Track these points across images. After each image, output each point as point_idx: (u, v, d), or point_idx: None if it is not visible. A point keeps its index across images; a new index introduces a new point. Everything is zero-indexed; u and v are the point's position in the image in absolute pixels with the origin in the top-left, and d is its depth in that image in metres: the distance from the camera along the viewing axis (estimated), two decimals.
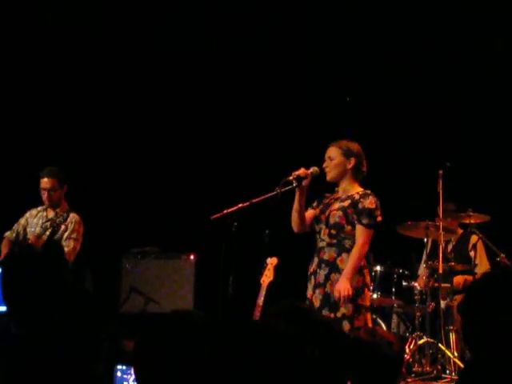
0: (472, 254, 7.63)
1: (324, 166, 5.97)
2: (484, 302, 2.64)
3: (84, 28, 9.02)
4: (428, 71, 8.85)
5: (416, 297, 7.51)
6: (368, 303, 5.92)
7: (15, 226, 7.51)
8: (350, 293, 5.64)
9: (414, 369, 7.12)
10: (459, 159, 7.58)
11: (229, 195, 6.10)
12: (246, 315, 5.90)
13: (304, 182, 5.80)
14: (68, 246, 7.19)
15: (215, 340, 2.47)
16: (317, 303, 5.79)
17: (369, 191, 5.97)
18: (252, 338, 2.47)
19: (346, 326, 5.68)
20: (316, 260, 5.93)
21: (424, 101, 8.85)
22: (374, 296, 7.50)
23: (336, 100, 9.15)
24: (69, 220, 7.29)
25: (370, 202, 5.85)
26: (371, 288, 7.07)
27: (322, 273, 5.85)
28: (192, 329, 2.48)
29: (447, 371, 6.86)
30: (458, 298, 7.28)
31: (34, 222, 7.42)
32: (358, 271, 5.80)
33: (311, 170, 5.85)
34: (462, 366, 6.62)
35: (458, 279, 7.52)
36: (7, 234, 7.49)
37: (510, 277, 2.70)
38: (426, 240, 7.59)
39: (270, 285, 6.07)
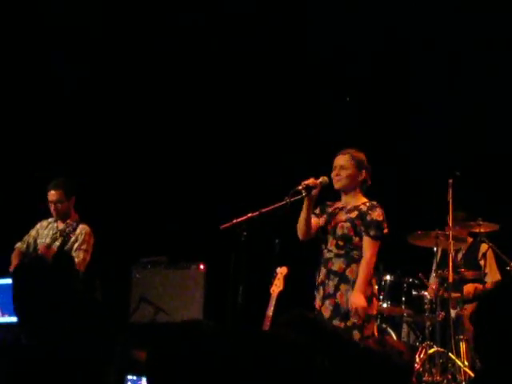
0: (482, 262, 7.61)
1: (334, 174, 5.96)
2: (495, 311, 2.64)
3: (84, 28, 9.03)
4: (428, 71, 8.84)
5: (426, 306, 7.50)
6: (375, 312, 5.96)
7: (26, 238, 7.52)
8: (366, 305, 5.68)
9: (424, 378, 7.11)
10: (469, 168, 7.58)
11: (238, 205, 6.11)
12: (255, 325, 5.89)
13: (313, 192, 5.80)
14: (78, 257, 7.19)
15: (225, 350, 2.48)
16: (327, 314, 5.80)
17: (375, 202, 5.97)
18: (261, 347, 2.47)
19: (357, 335, 5.70)
20: (324, 271, 5.93)
21: (431, 107, 8.85)
22: (384, 305, 7.49)
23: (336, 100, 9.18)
24: (79, 231, 7.30)
25: (377, 214, 5.87)
26: (381, 297, 7.07)
27: (332, 283, 5.86)
28: (202, 338, 2.48)
29: (457, 380, 6.84)
30: (468, 307, 7.26)
31: (44, 233, 7.44)
32: None
33: (320, 179, 5.86)
34: (472, 375, 6.60)
35: (468, 288, 7.50)
36: (18, 245, 7.52)
37: None
38: (435, 249, 7.58)
39: (280, 294, 6.07)
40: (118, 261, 8.96)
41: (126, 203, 9.37)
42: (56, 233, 7.32)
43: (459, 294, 7.38)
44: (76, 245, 7.26)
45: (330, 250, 5.93)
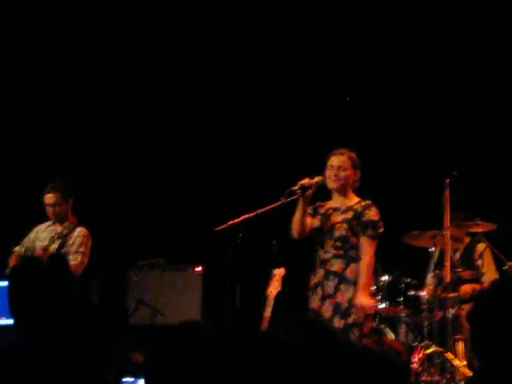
0: (479, 262, 7.62)
1: (331, 174, 5.96)
2: (492, 310, 2.64)
3: (84, 28, 9.03)
4: (428, 71, 8.85)
5: (424, 306, 7.49)
6: (373, 311, 6.11)
7: (24, 241, 7.50)
8: (375, 303, 5.92)
9: (422, 378, 7.10)
10: (466, 168, 7.57)
11: (235, 206, 6.11)
12: (253, 326, 5.89)
13: (308, 192, 5.82)
14: (76, 259, 7.18)
15: (223, 351, 2.48)
16: (328, 313, 5.85)
17: (369, 201, 6.01)
18: (259, 348, 2.47)
19: (357, 332, 5.80)
20: (322, 271, 5.95)
21: (430, 108, 8.85)
22: (382, 306, 7.48)
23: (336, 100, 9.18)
24: (76, 233, 7.29)
25: (373, 214, 5.93)
26: (379, 298, 7.07)
27: (331, 284, 5.90)
28: (200, 340, 2.49)
29: (456, 380, 6.83)
30: (466, 306, 7.26)
31: (42, 236, 7.42)
32: None
33: (316, 179, 5.88)
34: (470, 375, 6.59)
35: (466, 288, 7.50)
36: (16, 248, 7.49)
37: None
38: (433, 249, 7.58)
39: (278, 296, 6.07)
40: (115, 263, 8.95)
41: (123, 206, 9.36)
42: (54, 235, 7.31)
43: (457, 294, 7.37)
44: (74, 247, 7.25)
45: (327, 251, 5.95)
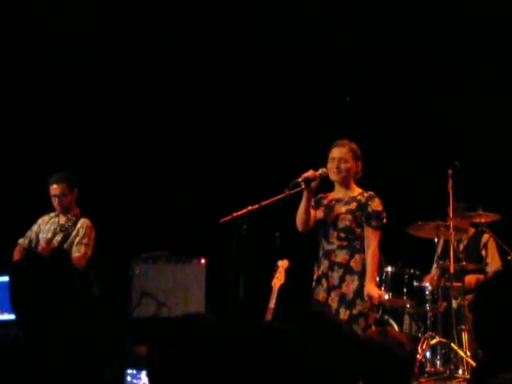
0: (483, 252, 7.62)
1: (334, 166, 5.96)
2: (495, 299, 2.63)
3: (84, 28, 9.02)
4: (428, 71, 8.84)
5: (427, 297, 7.49)
6: (377, 302, 6.08)
7: (28, 233, 7.50)
8: (382, 292, 6.02)
9: (426, 369, 7.11)
10: (469, 158, 7.57)
11: (239, 198, 6.11)
12: (257, 318, 5.89)
13: (312, 184, 5.84)
14: (79, 251, 7.17)
15: (226, 343, 2.47)
16: (334, 304, 5.88)
17: (372, 192, 6.03)
18: (262, 340, 2.47)
19: (362, 322, 5.83)
20: (326, 263, 5.96)
21: (432, 100, 8.85)
22: (386, 297, 7.49)
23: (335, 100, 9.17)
24: (79, 225, 7.28)
25: (377, 205, 5.96)
26: (383, 289, 7.09)
27: (336, 275, 5.92)
28: (203, 332, 2.48)
29: (460, 371, 6.84)
30: (470, 297, 7.26)
31: (46, 228, 7.41)
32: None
33: (320, 171, 5.89)
34: (474, 365, 6.60)
35: (470, 278, 7.50)
36: (20, 240, 7.48)
37: None
38: (436, 240, 7.58)
39: (282, 288, 6.07)
40: (118, 256, 8.95)
41: (125, 198, 9.36)
42: (56, 227, 7.31)
43: (461, 284, 7.37)
44: (77, 239, 7.24)
45: (331, 242, 5.96)
